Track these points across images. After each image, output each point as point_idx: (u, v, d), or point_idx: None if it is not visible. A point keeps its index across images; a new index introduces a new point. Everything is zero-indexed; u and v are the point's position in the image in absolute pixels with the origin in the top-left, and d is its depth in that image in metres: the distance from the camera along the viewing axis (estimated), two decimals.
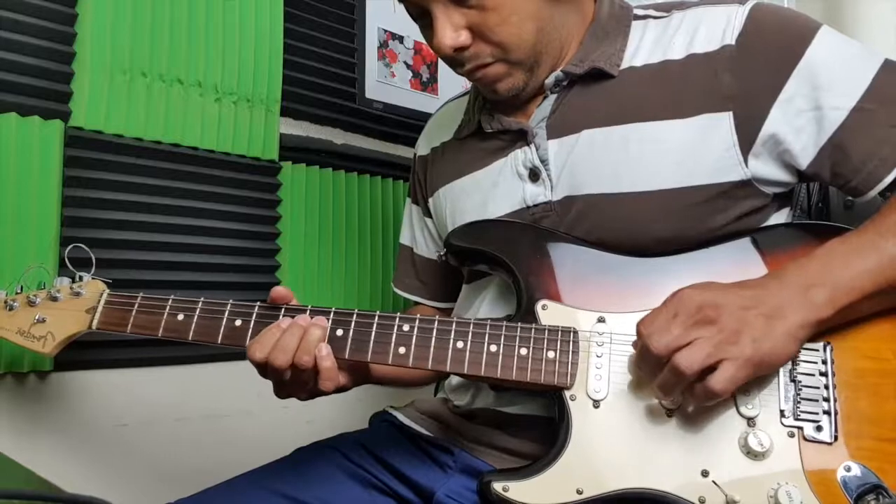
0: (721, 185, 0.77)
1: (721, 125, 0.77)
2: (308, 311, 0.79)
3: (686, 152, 0.78)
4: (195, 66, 1.18)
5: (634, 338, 0.72)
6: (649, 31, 0.84)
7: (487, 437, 0.85)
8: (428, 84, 1.53)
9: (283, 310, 0.80)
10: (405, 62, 1.50)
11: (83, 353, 1.06)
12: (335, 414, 1.34)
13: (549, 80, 0.85)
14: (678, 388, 0.66)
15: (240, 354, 1.22)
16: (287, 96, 1.29)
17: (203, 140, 1.18)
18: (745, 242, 0.77)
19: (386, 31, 1.47)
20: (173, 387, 1.16)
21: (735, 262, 0.75)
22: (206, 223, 1.19)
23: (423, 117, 1.49)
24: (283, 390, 0.79)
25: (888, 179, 0.73)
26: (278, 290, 0.81)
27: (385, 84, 1.46)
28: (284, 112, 1.30)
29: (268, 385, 1.26)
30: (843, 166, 0.75)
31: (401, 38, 1.49)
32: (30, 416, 1.01)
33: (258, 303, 0.81)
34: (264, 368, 0.76)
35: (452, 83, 1.57)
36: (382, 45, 1.46)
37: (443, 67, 1.56)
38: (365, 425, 0.99)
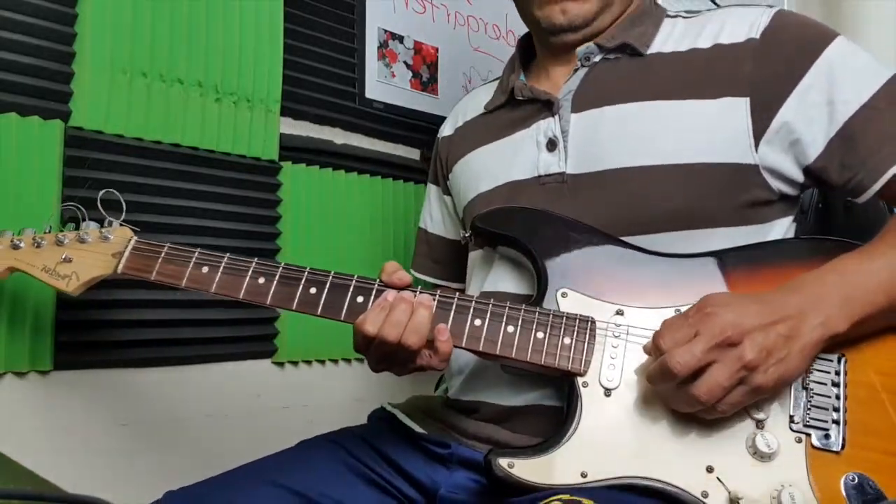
0: (730, 166, 0.80)
1: (738, 108, 0.80)
2: (330, 277, 0.80)
3: (701, 130, 0.81)
4: (195, 66, 1.17)
5: (651, 332, 0.73)
6: (679, 27, 0.89)
7: (487, 433, 0.85)
8: (428, 84, 1.53)
9: (306, 272, 0.80)
10: (405, 62, 1.50)
11: (83, 353, 1.06)
12: (335, 414, 1.34)
13: (581, 50, 0.90)
14: (691, 410, 0.68)
15: (239, 355, 1.24)
16: (287, 96, 1.29)
17: (203, 140, 1.18)
18: (767, 249, 0.79)
19: (386, 31, 1.47)
20: (173, 387, 1.16)
21: (751, 270, 0.77)
22: (206, 223, 1.19)
23: (424, 117, 1.50)
24: (381, 364, 0.79)
25: (891, 172, 0.76)
26: (404, 280, 0.79)
27: (385, 84, 1.46)
28: (284, 112, 1.29)
29: (267, 385, 1.27)
30: (849, 158, 0.78)
31: (401, 38, 1.49)
32: (30, 415, 1.01)
33: (283, 263, 0.82)
34: (370, 342, 0.76)
35: (452, 83, 1.57)
36: (382, 45, 1.46)
37: (443, 67, 1.56)
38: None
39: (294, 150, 1.31)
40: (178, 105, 1.16)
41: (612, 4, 0.90)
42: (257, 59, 1.25)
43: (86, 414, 1.07)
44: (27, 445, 1.00)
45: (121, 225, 0.88)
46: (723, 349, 0.66)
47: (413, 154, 1.51)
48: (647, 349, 0.73)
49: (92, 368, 1.08)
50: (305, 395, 1.32)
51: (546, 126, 0.90)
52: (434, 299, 0.77)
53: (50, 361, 1.02)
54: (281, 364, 1.30)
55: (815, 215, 0.99)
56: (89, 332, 1.07)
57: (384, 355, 0.77)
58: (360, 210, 1.40)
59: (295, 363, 1.32)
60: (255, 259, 0.82)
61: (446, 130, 1.11)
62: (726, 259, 0.78)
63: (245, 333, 1.24)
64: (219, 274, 0.82)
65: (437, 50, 1.55)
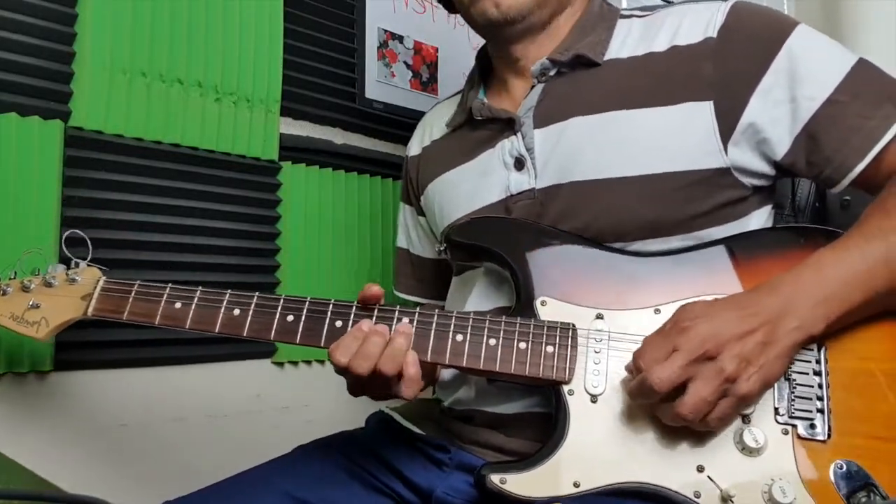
0: (701, 172, 0.79)
1: (702, 113, 0.79)
2: (307, 303, 0.79)
3: (668, 138, 0.80)
4: (195, 66, 1.18)
5: (632, 335, 0.73)
6: (634, 28, 0.87)
7: (485, 438, 0.85)
8: (428, 84, 1.53)
9: (281, 300, 0.79)
10: (405, 62, 1.50)
11: (83, 353, 1.06)
12: (334, 414, 1.34)
13: (535, 68, 0.88)
14: (679, 425, 0.68)
15: (239, 355, 1.24)
16: (287, 96, 1.29)
17: (203, 140, 1.18)
18: (743, 242, 0.78)
19: (386, 31, 1.47)
20: (173, 387, 1.16)
21: (728, 266, 0.76)
22: (206, 223, 1.19)
23: None
24: (358, 390, 0.78)
25: (859, 168, 0.75)
26: (373, 291, 0.78)
27: (385, 84, 1.46)
28: (284, 112, 1.30)
29: (267, 385, 1.27)
30: (815, 156, 0.77)
31: (401, 38, 1.49)
32: (30, 416, 1.01)
33: (256, 293, 0.80)
34: (344, 371, 0.75)
35: (452, 83, 1.57)
36: (382, 45, 1.46)
37: (443, 67, 1.56)
38: (363, 425, 0.99)
39: (294, 150, 1.31)
40: (178, 105, 1.16)
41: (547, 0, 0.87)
42: (257, 59, 1.25)
43: (86, 414, 1.07)
44: (27, 445, 1.00)
45: (88, 265, 0.86)
46: (702, 363, 0.65)
47: None
48: (628, 368, 0.71)
49: (92, 368, 1.08)
50: (305, 395, 1.32)
51: (510, 145, 0.88)
52: (413, 323, 0.76)
53: (50, 361, 1.02)
54: (281, 364, 1.30)
55: (811, 213, 0.98)
56: (89, 332, 1.06)
57: (358, 383, 0.75)
58: (360, 210, 1.40)
59: (295, 363, 1.32)
60: (229, 291, 0.81)
61: (413, 149, 1.09)
62: (705, 254, 0.77)
63: None
64: (192, 309, 0.80)
65: (437, 50, 1.55)
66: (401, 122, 1.48)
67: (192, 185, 1.17)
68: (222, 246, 1.20)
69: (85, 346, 1.06)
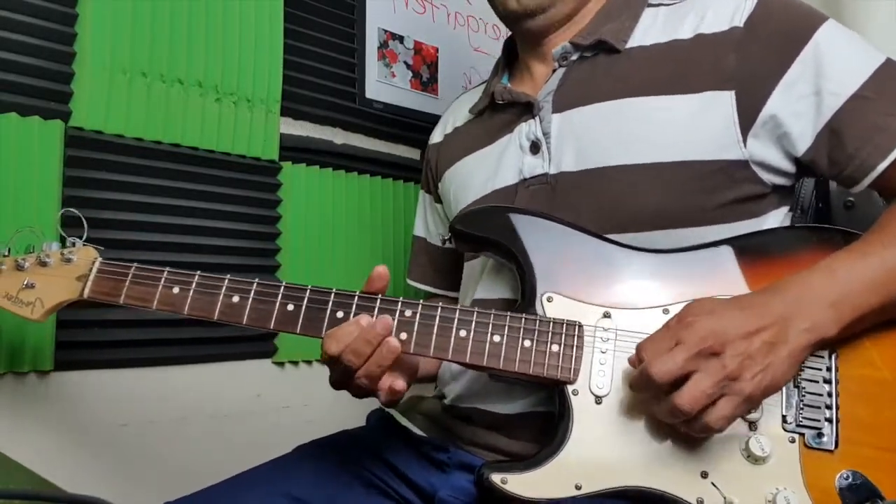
0: (719, 163, 0.78)
1: (723, 102, 0.78)
2: (308, 292, 0.77)
3: (686, 127, 0.78)
4: (195, 66, 1.17)
5: (639, 335, 0.71)
6: (660, 16, 0.86)
7: (485, 439, 0.84)
8: (428, 84, 1.53)
9: (281, 288, 0.77)
10: (405, 62, 1.50)
11: (83, 353, 1.06)
12: (335, 414, 1.34)
13: (557, 51, 0.88)
14: (675, 421, 0.66)
15: (239, 355, 1.24)
16: (287, 96, 1.29)
17: (203, 140, 1.18)
18: (758, 241, 0.77)
19: (386, 31, 1.47)
20: (173, 387, 1.16)
21: (739, 266, 0.75)
22: (206, 223, 1.19)
23: (423, 117, 1.50)
24: (339, 385, 0.76)
25: (881, 167, 0.74)
26: (379, 272, 0.76)
27: (385, 84, 1.46)
28: (284, 112, 1.29)
29: (267, 385, 1.27)
30: (838, 153, 0.76)
31: (401, 38, 1.49)
32: (30, 415, 1.01)
33: (256, 279, 0.78)
34: (332, 360, 0.73)
35: (452, 83, 1.57)
36: (382, 45, 1.46)
37: (443, 67, 1.56)
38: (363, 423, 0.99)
39: (294, 150, 1.31)
40: (178, 105, 1.16)
41: None
42: (257, 59, 1.25)
43: (86, 414, 1.07)
44: (27, 445, 1.00)
45: (84, 244, 0.82)
46: (704, 358, 0.64)
47: (413, 154, 1.51)
48: (631, 361, 0.70)
49: (92, 368, 1.08)
50: (305, 395, 1.32)
51: (528, 129, 0.88)
52: (416, 316, 0.74)
53: (50, 361, 1.02)
54: (281, 364, 1.30)
55: (814, 215, 0.98)
56: (89, 332, 1.07)
57: (343, 378, 0.74)
58: (360, 210, 1.40)
59: (295, 363, 1.32)
60: (228, 276, 0.78)
61: (436, 137, 1.10)
62: (715, 252, 0.76)
63: (245, 333, 1.23)
64: (190, 294, 0.78)
65: (437, 50, 1.55)
66: (401, 122, 1.48)
67: (192, 185, 1.17)
68: (222, 246, 1.20)
69: (85, 345, 1.06)
